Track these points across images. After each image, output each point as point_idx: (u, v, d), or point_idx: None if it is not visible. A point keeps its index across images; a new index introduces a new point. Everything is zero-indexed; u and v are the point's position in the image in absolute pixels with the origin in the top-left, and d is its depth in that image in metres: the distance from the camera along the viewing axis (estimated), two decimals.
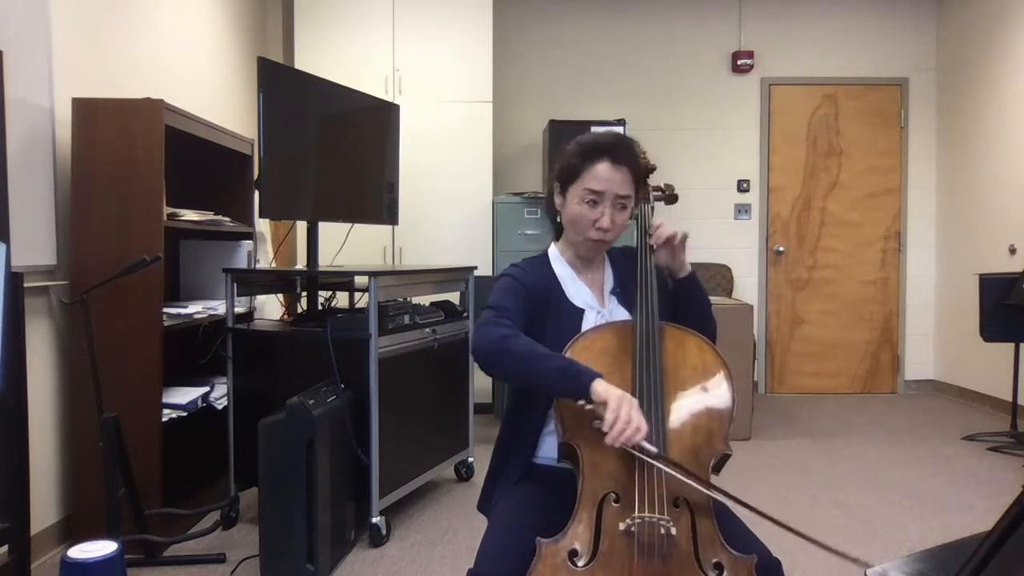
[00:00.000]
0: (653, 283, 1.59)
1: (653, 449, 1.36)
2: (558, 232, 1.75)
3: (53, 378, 2.79)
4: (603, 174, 1.58)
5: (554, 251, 1.73)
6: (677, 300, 1.65)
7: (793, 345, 5.91)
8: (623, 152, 1.60)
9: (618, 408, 1.33)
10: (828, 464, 3.95)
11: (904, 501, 3.36)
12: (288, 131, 3.11)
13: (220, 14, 4.38)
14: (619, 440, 1.32)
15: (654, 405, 1.43)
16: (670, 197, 1.79)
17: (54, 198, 2.76)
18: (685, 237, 1.64)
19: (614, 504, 1.38)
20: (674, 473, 1.37)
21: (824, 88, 5.82)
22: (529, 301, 1.61)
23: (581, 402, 1.38)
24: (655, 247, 1.62)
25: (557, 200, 1.68)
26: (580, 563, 1.33)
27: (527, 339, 1.48)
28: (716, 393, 1.50)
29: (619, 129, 5.16)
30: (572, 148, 1.64)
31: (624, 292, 1.67)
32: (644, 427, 1.34)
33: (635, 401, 1.36)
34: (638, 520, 1.33)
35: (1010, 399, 4.47)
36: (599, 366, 1.48)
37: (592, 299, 1.67)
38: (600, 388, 1.36)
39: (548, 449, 1.61)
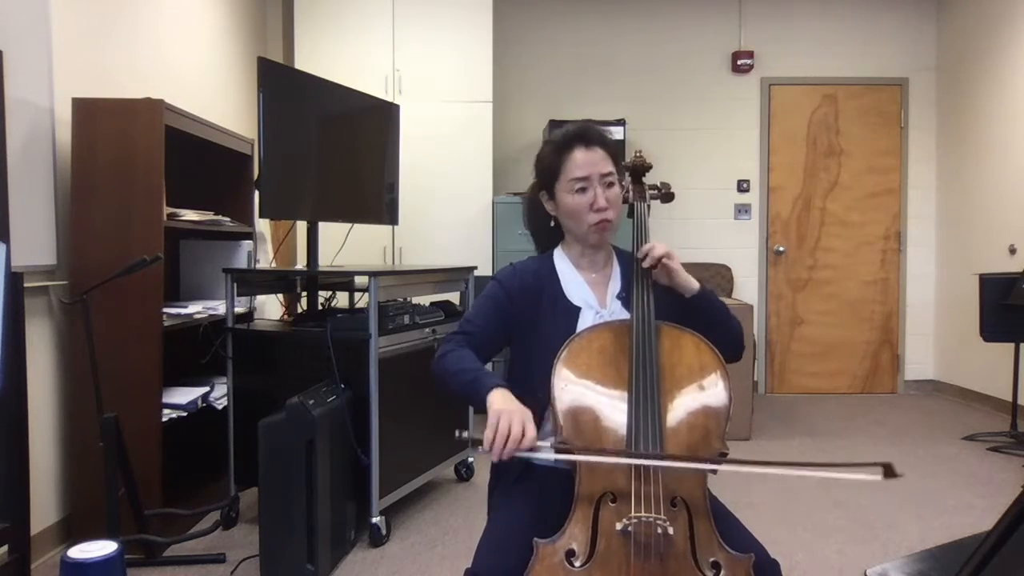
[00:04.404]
0: (649, 283, 1.59)
1: (544, 444, 1.38)
2: (546, 241, 1.77)
3: (53, 378, 2.79)
4: (581, 159, 1.62)
5: (559, 250, 1.74)
6: (692, 318, 1.62)
7: (793, 345, 5.91)
8: (591, 134, 1.64)
9: (495, 424, 1.36)
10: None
11: (904, 501, 3.36)
12: (288, 131, 3.11)
13: (220, 14, 4.39)
14: (496, 456, 1.35)
15: (650, 404, 1.43)
16: (666, 195, 1.79)
17: (54, 198, 2.76)
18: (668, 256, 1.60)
19: (611, 504, 1.37)
20: (582, 459, 1.39)
21: (824, 88, 5.82)
22: (512, 304, 1.64)
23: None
24: (647, 266, 1.60)
25: (548, 206, 1.70)
26: (577, 563, 1.33)
27: (458, 356, 1.57)
28: (713, 392, 1.50)
29: (619, 129, 5.16)
30: (543, 151, 1.69)
31: (629, 296, 1.67)
32: (527, 436, 1.35)
33: (518, 413, 1.37)
34: (634, 520, 1.33)
35: (1010, 399, 4.47)
36: (596, 364, 1.49)
37: (592, 299, 1.67)
38: (488, 402, 1.42)
39: (546, 449, 1.61)
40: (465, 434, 1.45)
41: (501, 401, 1.40)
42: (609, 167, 1.63)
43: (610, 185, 1.63)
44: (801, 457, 4.07)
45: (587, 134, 1.64)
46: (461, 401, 1.56)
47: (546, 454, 1.38)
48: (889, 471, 1.24)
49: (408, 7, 4.87)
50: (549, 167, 1.66)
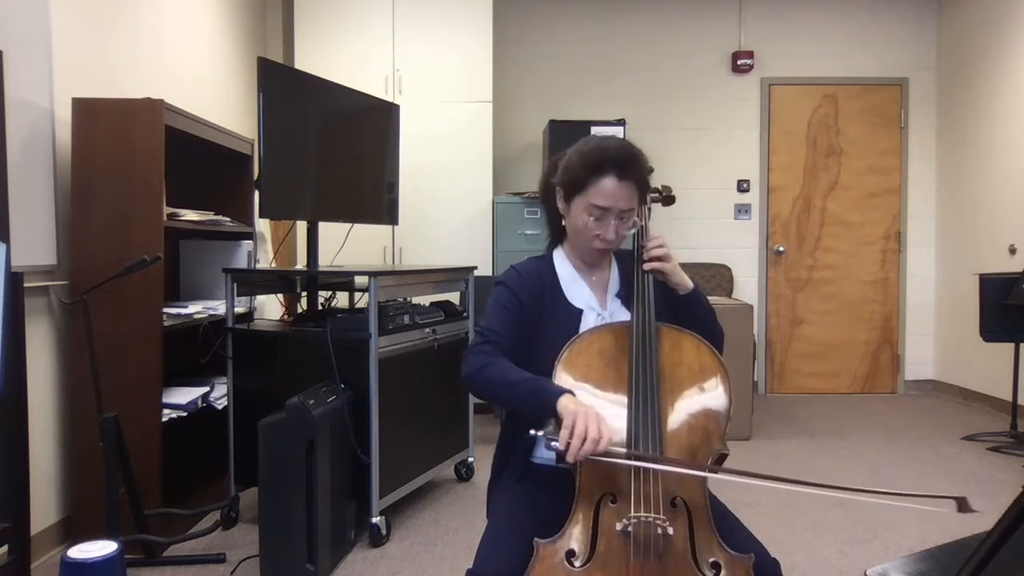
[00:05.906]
0: (650, 285, 1.59)
1: (620, 451, 1.36)
2: (556, 236, 1.75)
3: (53, 378, 2.79)
4: (609, 190, 1.55)
5: (559, 252, 1.73)
6: (681, 314, 1.64)
7: (793, 345, 5.91)
8: (629, 166, 1.56)
9: (572, 425, 1.32)
10: (828, 464, 3.95)
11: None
12: (288, 131, 3.11)
13: (220, 14, 4.39)
14: (575, 456, 1.31)
15: (650, 405, 1.43)
16: (667, 199, 1.79)
17: (54, 198, 2.76)
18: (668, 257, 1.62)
19: (611, 504, 1.38)
20: (661, 468, 1.37)
21: (824, 88, 5.82)
22: (523, 308, 1.62)
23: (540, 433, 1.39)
24: (648, 269, 1.61)
25: (560, 205, 1.67)
26: (577, 564, 1.33)
27: (501, 366, 1.50)
28: (712, 393, 1.50)
29: (619, 129, 5.14)
30: (576, 159, 1.60)
31: (628, 295, 1.67)
32: (604, 437, 1.32)
33: (594, 414, 1.34)
34: (634, 520, 1.33)
35: (1010, 399, 4.47)
36: (596, 367, 1.49)
37: (593, 300, 1.67)
38: (560, 406, 1.37)
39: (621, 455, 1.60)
40: (540, 432, 1.37)
41: (575, 403, 1.37)
42: (632, 203, 1.58)
43: (625, 219, 1.60)
44: (801, 457, 4.07)
45: (625, 165, 1.55)
46: (518, 411, 1.49)
47: (620, 459, 1.35)
48: (964, 505, 1.17)
49: (408, 7, 4.87)
50: (575, 180, 1.59)
